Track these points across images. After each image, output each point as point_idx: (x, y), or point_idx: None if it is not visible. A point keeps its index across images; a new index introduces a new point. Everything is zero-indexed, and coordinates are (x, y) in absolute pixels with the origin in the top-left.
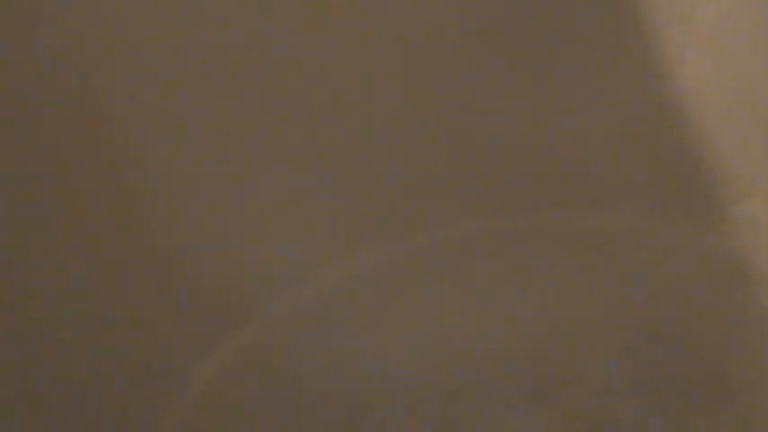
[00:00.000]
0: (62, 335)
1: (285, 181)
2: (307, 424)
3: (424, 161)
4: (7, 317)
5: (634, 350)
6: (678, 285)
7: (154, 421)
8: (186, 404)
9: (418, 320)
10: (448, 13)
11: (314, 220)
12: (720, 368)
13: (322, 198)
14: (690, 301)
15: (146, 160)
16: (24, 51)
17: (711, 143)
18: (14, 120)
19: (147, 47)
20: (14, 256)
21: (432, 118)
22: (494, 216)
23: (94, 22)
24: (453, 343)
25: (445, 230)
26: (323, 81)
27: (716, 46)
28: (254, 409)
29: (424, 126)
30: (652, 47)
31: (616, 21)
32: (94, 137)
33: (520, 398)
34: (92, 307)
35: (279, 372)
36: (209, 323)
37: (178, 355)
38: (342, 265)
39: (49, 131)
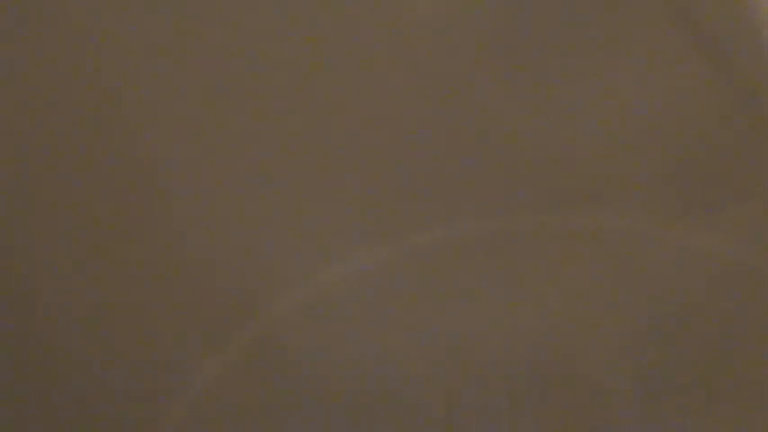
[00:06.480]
0: (64, 333)
1: (286, 181)
2: (307, 424)
3: (424, 161)
4: (10, 315)
5: (634, 350)
6: (678, 285)
7: (154, 420)
8: (187, 403)
9: (418, 320)
10: (449, 13)
11: (314, 220)
12: (720, 368)
13: (322, 198)
14: (690, 301)
15: (149, 161)
16: (28, 53)
17: (711, 143)
18: (19, 122)
19: (153, 49)
20: (19, 257)
21: (432, 118)
22: (493, 216)
23: (99, 24)
24: (453, 343)
25: (445, 230)
26: (324, 82)
27: (713, 48)
28: (255, 408)
29: (424, 126)
30: (652, 46)
31: (616, 21)
32: (99, 137)
33: (520, 398)
34: (94, 306)
35: (279, 371)
36: (209, 323)
37: (178, 354)
38: (342, 264)
39: (55, 134)
